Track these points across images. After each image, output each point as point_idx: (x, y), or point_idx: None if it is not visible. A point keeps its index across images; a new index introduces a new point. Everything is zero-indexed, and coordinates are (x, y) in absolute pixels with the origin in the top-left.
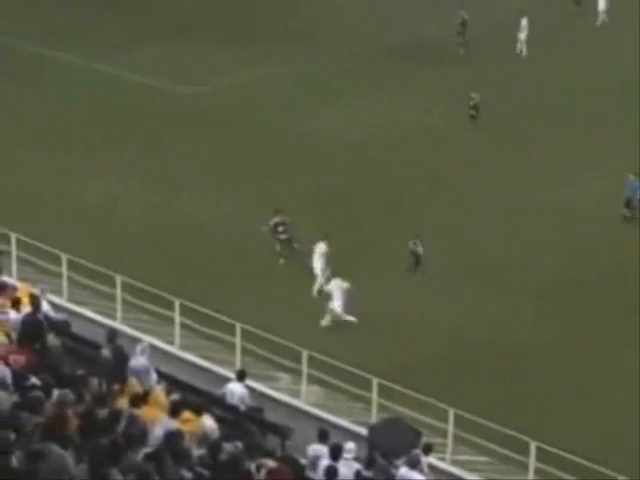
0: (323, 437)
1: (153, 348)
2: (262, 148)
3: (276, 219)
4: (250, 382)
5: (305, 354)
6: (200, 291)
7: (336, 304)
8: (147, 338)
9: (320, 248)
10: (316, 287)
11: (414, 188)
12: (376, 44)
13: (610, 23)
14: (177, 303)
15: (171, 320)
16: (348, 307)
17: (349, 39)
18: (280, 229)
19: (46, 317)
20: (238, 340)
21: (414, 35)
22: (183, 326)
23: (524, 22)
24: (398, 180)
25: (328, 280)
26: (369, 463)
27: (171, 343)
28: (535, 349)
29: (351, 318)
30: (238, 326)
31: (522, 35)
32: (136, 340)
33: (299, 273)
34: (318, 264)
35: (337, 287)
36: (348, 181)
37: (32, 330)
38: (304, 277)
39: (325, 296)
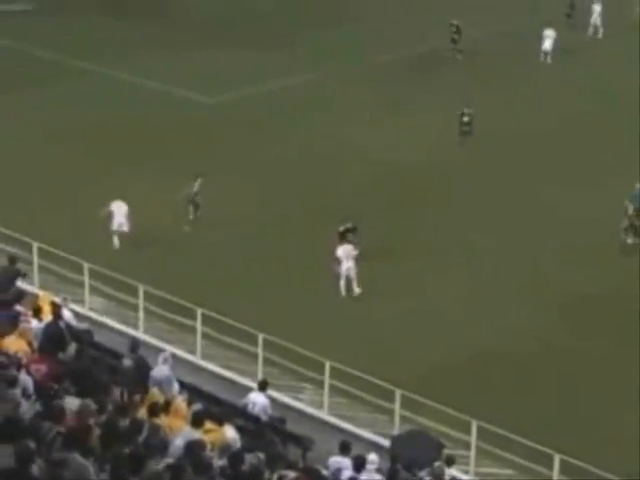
0: (345, 449)
1: (175, 358)
2: (280, 160)
3: (196, 188)
4: (272, 392)
5: (328, 365)
6: (222, 301)
7: (344, 267)
8: (169, 348)
9: (346, 250)
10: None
11: (427, 202)
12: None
13: (603, 35)
14: (199, 312)
15: (193, 330)
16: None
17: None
18: (198, 198)
19: (68, 326)
20: (260, 350)
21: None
22: (205, 336)
23: (549, 32)
24: (412, 193)
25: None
26: (392, 475)
27: (193, 353)
28: (559, 360)
29: (357, 290)
30: (260, 336)
31: (547, 44)
32: (158, 350)
33: (322, 282)
34: (348, 264)
35: (346, 253)
36: (372, 196)
37: (54, 339)
38: (326, 286)
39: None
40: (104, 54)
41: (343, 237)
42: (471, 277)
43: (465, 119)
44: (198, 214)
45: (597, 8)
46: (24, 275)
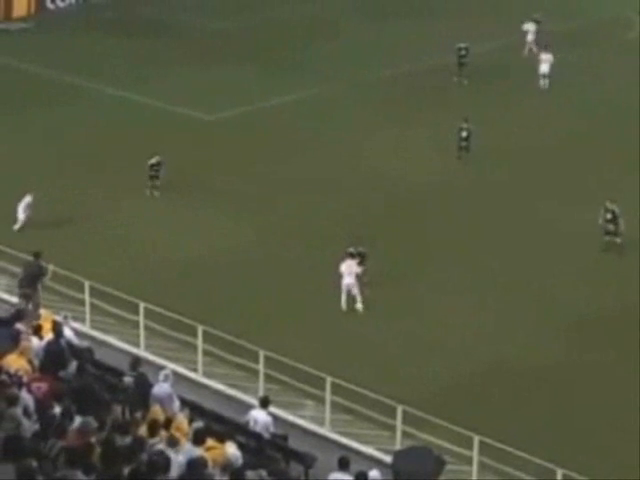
0: (344, 464)
1: (176, 375)
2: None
3: (154, 160)
4: (274, 409)
5: (329, 381)
6: (223, 318)
7: (344, 282)
8: (170, 365)
9: (349, 265)
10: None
11: (428, 220)
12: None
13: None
14: (200, 330)
15: (194, 347)
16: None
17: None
18: (155, 169)
19: (69, 344)
20: (261, 367)
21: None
22: (206, 353)
23: (545, 56)
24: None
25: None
26: None
27: (194, 370)
28: (562, 376)
29: (359, 306)
30: (261, 353)
31: (544, 67)
32: (159, 367)
33: (325, 300)
34: (348, 280)
35: (348, 268)
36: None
37: (54, 357)
38: (329, 304)
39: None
40: (102, 71)
41: (350, 254)
42: (475, 297)
43: (463, 134)
44: (157, 183)
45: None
46: (45, 271)
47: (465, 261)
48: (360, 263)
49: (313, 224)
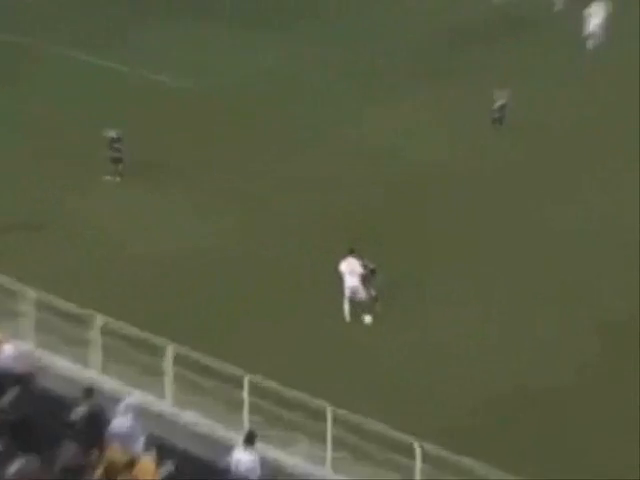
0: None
1: (141, 406)
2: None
3: (113, 133)
4: (261, 446)
5: (330, 411)
6: (199, 335)
7: (347, 285)
8: (133, 393)
9: (351, 264)
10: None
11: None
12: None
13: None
14: (170, 349)
15: (163, 370)
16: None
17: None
18: (116, 146)
19: (6, 368)
20: (246, 395)
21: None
22: (178, 378)
23: (595, 8)
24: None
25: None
26: None
27: (163, 399)
28: (592, 398)
29: (367, 318)
30: (246, 378)
31: (594, 23)
32: (119, 396)
33: (321, 308)
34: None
35: (351, 268)
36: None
37: None
38: (327, 312)
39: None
40: (77, 39)
41: (351, 251)
42: (491, 307)
43: (497, 104)
44: (119, 168)
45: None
46: None
47: (485, 264)
48: (366, 280)
49: (308, 218)
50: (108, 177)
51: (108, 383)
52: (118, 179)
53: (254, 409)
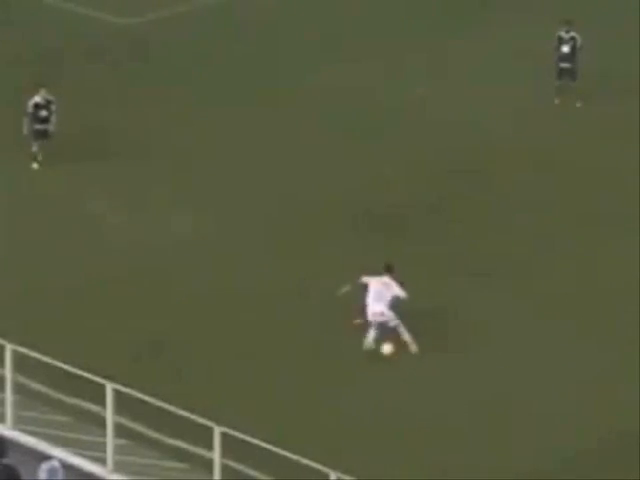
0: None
1: (68, 469)
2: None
3: (37, 98)
4: None
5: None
6: (149, 369)
7: (371, 310)
8: (58, 452)
9: (382, 284)
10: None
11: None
12: None
13: None
14: (109, 389)
15: (101, 420)
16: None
17: None
18: (42, 114)
19: None
20: (217, 454)
21: None
22: (121, 431)
23: None
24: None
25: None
26: None
27: (101, 460)
28: None
29: (387, 348)
30: (216, 430)
31: None
32: (41, 456)
33: (306, 337)
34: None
35: (376, 283)
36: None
37: None
38: (312, 343)
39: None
40: None
41: (389, 269)
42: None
43: (564, 49)
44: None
45: None
46: None
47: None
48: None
49: (306, 201)
50: (34, 164)
51: (24, 438)
52: (38, 162)
53: (228, 473)
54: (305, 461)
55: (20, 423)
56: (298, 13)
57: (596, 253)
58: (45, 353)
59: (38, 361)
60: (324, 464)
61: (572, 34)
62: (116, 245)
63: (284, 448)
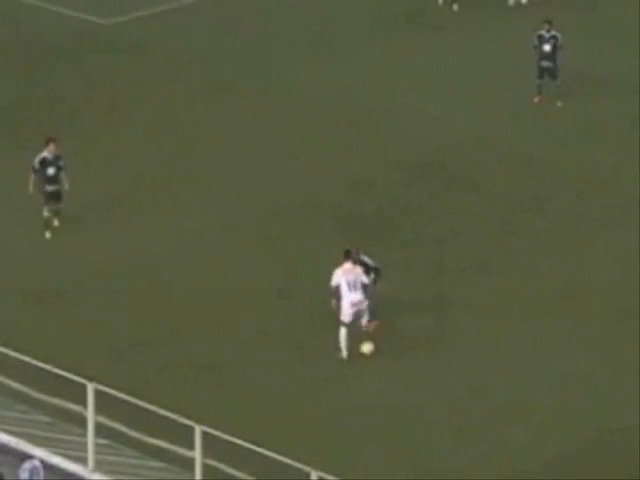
0: None
1: (49, 469)
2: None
3: (45, 153)
4: None
5: (315, 477)
6: (129, 370)
7: (345, 303)
8: (39, 452)
9: (353, 273)
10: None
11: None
12: None
13: None
14: (90, 389)
15: (82, 420)
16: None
17: None
18: (50, 172)
19: None
20: (198, 454)
21: None
22: (102, 430)
23: None
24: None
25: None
26: None
27: (82, 461)
28: None
29: (367, 347)
30: (197, 429)
31: None
32: (21, 456)
33: (288, 337)
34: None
35: (349, 275)
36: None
37: None
38: (294, 344)
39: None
40: None
41: (348, 255)
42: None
43: (546, 47)
44: (60, 207)
45: None
46: None
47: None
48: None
49: (289, 203)
50: (48, 234)
51: (5, 439)
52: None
53: (210, 473)
54: (286, 460)
55: (1, 423)
56: (277, 11)
57: (582, 253)
58: (25, 353)
59: (18, 360)
60: (305, 463)
61: (553, 33)
62: (97, 246)
63: (265, 447)
